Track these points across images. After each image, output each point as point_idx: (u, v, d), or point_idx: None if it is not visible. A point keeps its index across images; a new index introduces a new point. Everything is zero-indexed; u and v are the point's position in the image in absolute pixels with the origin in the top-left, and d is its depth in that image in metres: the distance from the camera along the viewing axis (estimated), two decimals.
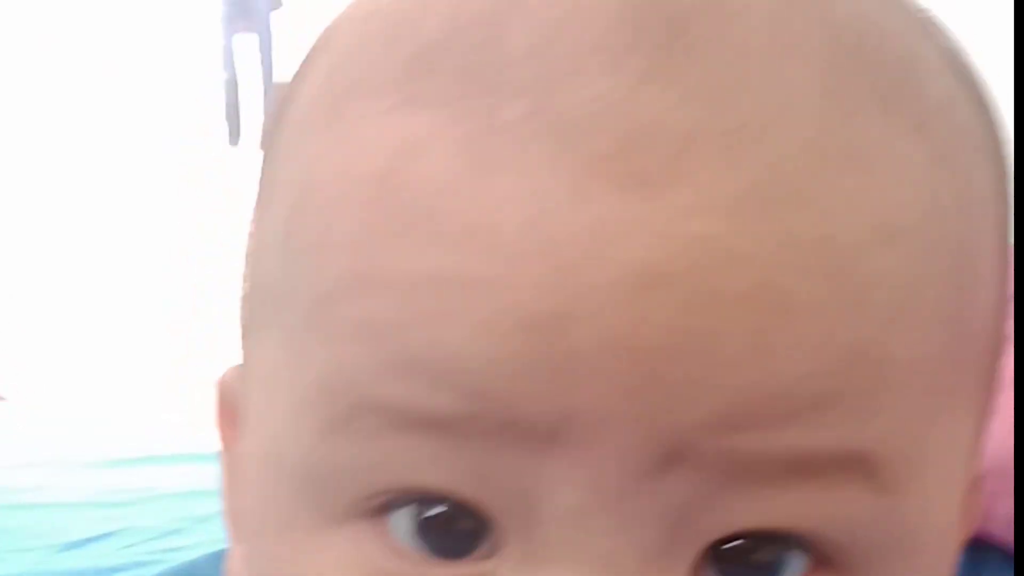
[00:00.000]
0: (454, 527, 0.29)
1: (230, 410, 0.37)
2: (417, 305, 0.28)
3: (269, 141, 0.34)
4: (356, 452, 0.29)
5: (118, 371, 2.52)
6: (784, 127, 0.27)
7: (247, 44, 2.54)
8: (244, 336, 0.34)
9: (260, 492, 0.33)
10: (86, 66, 2.64)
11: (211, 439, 0.39)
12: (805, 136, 0.28)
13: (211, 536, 1.07)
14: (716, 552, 0.29)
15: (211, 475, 0.39)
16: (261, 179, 0.34)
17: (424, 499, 0.29)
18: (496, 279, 0.27)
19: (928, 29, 0.32)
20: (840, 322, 0.27)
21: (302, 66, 0.34)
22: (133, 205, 2.63)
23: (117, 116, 2.64)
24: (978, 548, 0.80)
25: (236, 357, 0.35)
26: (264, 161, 0.34)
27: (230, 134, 2.57)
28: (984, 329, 0.31)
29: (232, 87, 2.57)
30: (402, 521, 0.29)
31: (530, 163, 0.27)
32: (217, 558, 0.38)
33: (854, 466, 0.28)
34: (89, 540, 1.24)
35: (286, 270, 0.31)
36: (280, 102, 0.34)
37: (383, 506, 0.30)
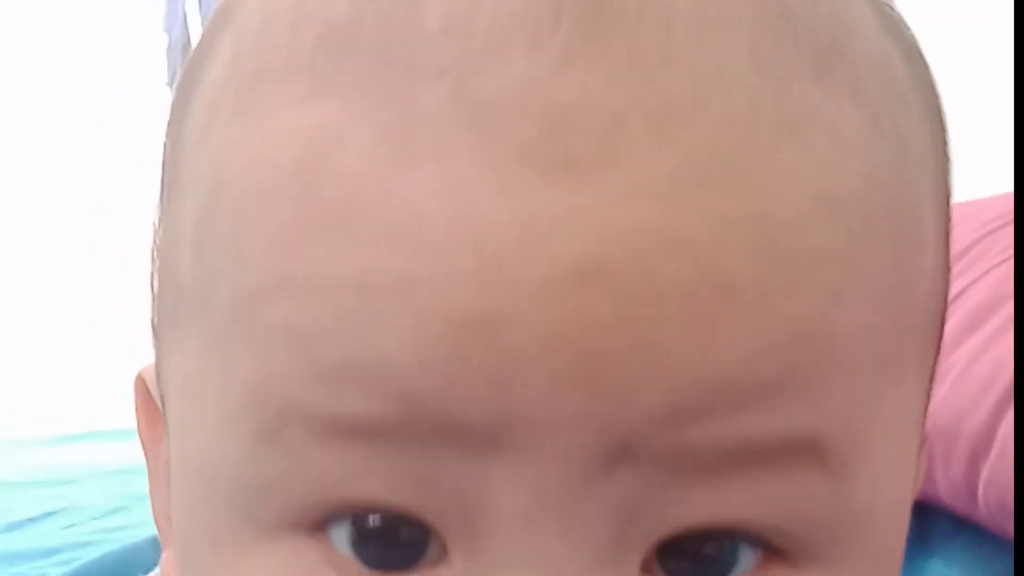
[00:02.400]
0: (397, 539, 0.28)
1: (149, 408, 0.36)
2: (342, 308, 0.27)
3: (174, 122, 0.32)
4: (288, 465, 0.28)
5: (55, 347, 2.50)
6: (715, 101, 0.26)
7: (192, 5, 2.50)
8: (157, 335, 0.33)
9: (189, 504, 0.31)
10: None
11: None
12: (737, 109, 0.27)
13: None
14: (666, 548, 0.28)
15: None
16: (165, 164, 0.33)
17: (363, 511, 0.28)
18: (423, 278, 0.26)
19: None
20: (782, 302, 0.26)
21: (203, 39, 0.32)
22: (68, 165, 2.59)
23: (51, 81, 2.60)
24: (925, 512, 0.79)
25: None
26: (169, 144, 0.33)
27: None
28: (929, 295, 0.31)
29: (180, 50, 2.53)
30: (342, 533, 0.28)
31: (453, 152, 0.26)
32: (158, 542, 0.37)
33: (805, 451, 0.28)
34: (30, 520, 1.23)
35: (200, 270, 0.30)
36: (183, 81, 0.33)
37: (321, 519, 0.28)
